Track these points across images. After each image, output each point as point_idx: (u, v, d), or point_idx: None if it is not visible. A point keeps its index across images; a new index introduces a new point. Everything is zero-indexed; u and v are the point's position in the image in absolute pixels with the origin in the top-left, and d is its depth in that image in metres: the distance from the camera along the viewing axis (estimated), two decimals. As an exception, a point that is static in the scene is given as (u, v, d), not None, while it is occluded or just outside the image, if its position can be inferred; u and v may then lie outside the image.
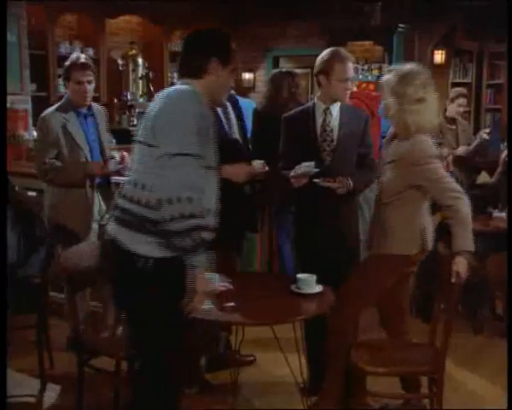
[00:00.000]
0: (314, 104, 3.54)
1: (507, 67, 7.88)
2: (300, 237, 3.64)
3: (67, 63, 4.07)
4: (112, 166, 4.06)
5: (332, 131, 3.47)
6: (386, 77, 3.22)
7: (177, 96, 2.43)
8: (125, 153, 4.01)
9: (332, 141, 3.46)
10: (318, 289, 3.02)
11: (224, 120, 3.59)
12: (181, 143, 2.29)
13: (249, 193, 3.71)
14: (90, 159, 4.05)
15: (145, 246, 2.35)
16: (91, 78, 4.04)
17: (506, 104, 7.02)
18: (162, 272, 2.36)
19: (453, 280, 2.94)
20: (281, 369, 3.61)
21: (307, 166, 3.31)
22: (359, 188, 3.55)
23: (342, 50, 3.50)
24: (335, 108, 3.49)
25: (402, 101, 3.09)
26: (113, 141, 4.38)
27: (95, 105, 4.21)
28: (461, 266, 2.96)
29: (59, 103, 4.14)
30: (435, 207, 3.60)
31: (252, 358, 4.03)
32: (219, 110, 3.53)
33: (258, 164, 3.60)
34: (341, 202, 3.45)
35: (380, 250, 3.23)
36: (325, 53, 3.47)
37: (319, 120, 3.49)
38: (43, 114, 4.06)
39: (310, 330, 3.36)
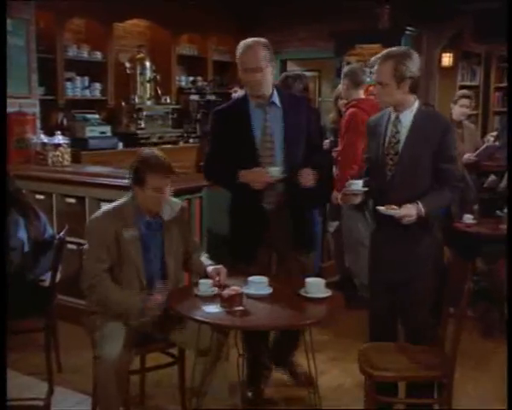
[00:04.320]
0: (389, 112, 3.26)
1: (507, 68, 7.87)
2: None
3: (140, 161, 3.13)
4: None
5: (398, 142, 3.17)
6: None
7: None
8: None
9: (396, 154, 3.16)
10: (327, 293, 2.99)
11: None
12: None
13: (268, 208, 3.46)
14: (143, 281, 3.15)
15: None
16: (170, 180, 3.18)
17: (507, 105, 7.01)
18: None
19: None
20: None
21: (355, 185, 3.17)
22: (433, 211, 3.19)
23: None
24: (407, 116, 3.19)
25: None
26: (205, 257, 3.39)
27: (170, 205, 3.25)
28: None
29: (117, 205, 3.22)
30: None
31: None
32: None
33: (276, 171, 3.35)
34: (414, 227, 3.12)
35: None
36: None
37: (389, 131, 3.22)
38: (94, 216, 3.27)
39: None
